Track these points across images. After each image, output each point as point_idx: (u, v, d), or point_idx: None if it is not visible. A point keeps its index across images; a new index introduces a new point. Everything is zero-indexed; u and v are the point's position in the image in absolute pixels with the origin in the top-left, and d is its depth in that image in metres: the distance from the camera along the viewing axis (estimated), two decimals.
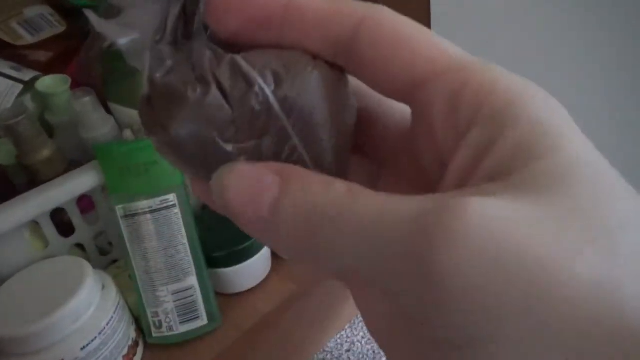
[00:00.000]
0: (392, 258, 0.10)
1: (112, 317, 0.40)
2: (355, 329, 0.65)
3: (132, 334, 0.42)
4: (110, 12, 0.14)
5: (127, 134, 0.47)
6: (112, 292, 0.41)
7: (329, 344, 0.63)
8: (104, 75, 0.47)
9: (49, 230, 0.42)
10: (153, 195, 0.42)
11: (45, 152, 0.43)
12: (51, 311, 0.36)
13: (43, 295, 0.38)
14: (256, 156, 0.13)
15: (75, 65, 0.55)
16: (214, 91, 0.13)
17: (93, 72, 0.53)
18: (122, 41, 0.14)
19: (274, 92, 0.13)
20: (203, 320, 0.44)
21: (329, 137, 0.14)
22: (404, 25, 0.13)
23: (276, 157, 0.13)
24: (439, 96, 0.12)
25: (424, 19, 0.64)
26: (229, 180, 0.13)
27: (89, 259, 0.43)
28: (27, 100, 0.49)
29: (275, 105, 0.13)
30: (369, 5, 0.13)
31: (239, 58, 0.13)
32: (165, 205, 0.42)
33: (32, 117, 0.42)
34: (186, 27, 0.14)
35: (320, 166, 0.14)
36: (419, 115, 0.13)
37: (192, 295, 0.44)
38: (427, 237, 0.10)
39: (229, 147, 0.13)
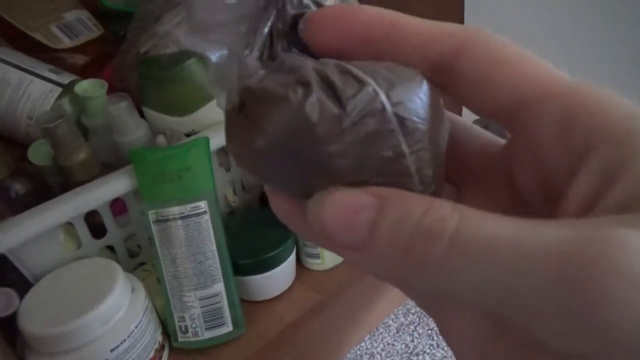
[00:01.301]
0: (532, 291, 0.09)
1: (140, 320, 0.40)
2: (375, 340, 0.65)
3: (159, 337, 0.43)
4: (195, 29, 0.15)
5: (160, 139, 0.47)
6: (141, 295, 0.41)
7: (348, 355, 0.63)
8: (140, 81, 0.48)
9: (83, 231, 0.43)
10: (185, 201, 0.42)
11: (81, 155, 0.44)
12: (83, 312, 0.37)
13: (75, 296, 0.39)
14: (358, 161, 0.13)
15: (110, 70, 0.56)
16: (318, 92, 0.12)
17: (127, 77, 0.54)
18: (211, 56, 0.14)
19: (388, 95, 0.13)
20: (228, 327, 0.45)
21: (431, 148, 0.13)
22: (507, 45, 0.13)
23: (381, 162, 0.13)
24: (549, 117, 0.12)
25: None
26: (326, 202, 0.12)
27: (118, 261, 0.44)
28: (65, 103, 0.50)
29: (389, 109, 0.13)
30: (470, 26, 0.13)
31: (345, 63, 0.13)
32: (196, 212, 0.43)
33: (70, 120, 0.43)
34: (272, 46, 0.15)
35: (421, 177, 0.13)
36: (521, 135, 0.13)
37: (219, 302, 0.44)
38: (589, 273, 0.09)
39: (331, 147, 0.12)
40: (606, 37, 0.56)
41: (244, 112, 0.13)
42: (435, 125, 0.13)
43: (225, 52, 0.15)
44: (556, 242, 0.09)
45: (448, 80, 0.13)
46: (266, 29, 0.14)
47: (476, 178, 0.15)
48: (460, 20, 0.63)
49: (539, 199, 0.13)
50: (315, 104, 0.12)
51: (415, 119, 0.13)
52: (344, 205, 0.12)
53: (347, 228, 0.12)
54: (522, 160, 0.13)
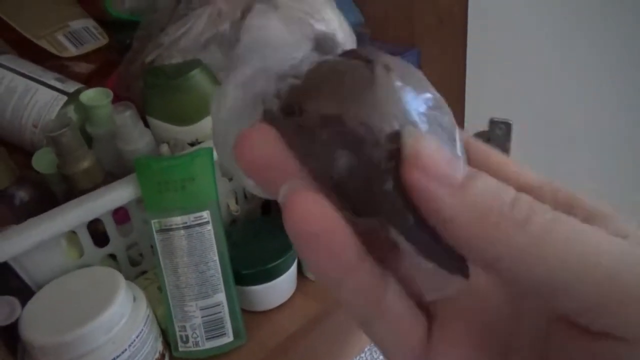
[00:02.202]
0: (626, 301, 0.11)
1: (142, 330, 0.40)
2: (376, 351, 0.65)
3: (159, 346, 0.43)
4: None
5: (164, 148, 0.48)
6: (143, 304, 0.41)
7: None
8: (145, 90, 0.49)
9: (86, 240, 0.43)
10: (188, 211, 0.43)
11: (85, 163, 0.45)
12: (85, 321, 0.37)
13: (77, 305, 0.39)
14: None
15: (114, 78, 0.57)
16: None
17: (132, 86, 0.54)
18: (247, 71, 0.15)
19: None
20: (229, 337, 0.45)
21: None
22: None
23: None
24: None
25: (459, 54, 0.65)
26: (423, 140, 0.13)
27: (119, 269, 0.44)
28: (70, 111, 0.50)
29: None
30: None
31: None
32: (198, 221, 0.43)
33: (75, 129, 0.44)
34: None
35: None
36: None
37: (220, 312, 0.44)
38: None
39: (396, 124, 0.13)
40: (608, 42, 0.56)
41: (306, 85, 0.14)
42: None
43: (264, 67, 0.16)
44: None
45: None
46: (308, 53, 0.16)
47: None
48: (463, 31, 0.63)
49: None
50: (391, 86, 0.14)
51: None
52: (444, 148, 0.13)
53: (447, 162, 0.13)
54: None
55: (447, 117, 0.15)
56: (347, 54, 0.16)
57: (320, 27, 0.16)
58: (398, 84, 0.14)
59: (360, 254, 0.14)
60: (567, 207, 0.14)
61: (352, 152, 0.13)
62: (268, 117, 0.15)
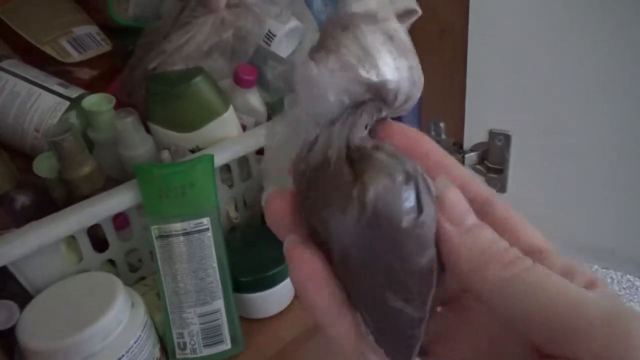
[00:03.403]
0: (588, 331, 0.14)
1: (139, 336, 0.40)
2: None
3: (157, 353, 0.43)
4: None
5: (165, 155, 0.48)
6: (141, 310, 0.41)
7: None
8: (147, 96, 0.49)
9: (85, 245, 0.43)
10: (188, 217, 0.43)
11: (86, 169, 0.45)
12: (82, 327, 0.37)
13: (75, 310, 0.39)
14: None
15: (117, 84, 0.57)
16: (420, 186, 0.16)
17: (134, 92, 0.54)
18: (296, 112, 0.18)
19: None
20: (226, 345, 0.44)
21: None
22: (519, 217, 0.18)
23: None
24: (555, 267, 0.16)
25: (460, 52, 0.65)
26: (453, 187, 0.17)
27: (118, 275, 0.44)
28: (72, 116, 0.50)
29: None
30: (489, 190, 0.18)
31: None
32: (198, 228, 0.43)
33: (77, 134, 0.44)
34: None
35: None
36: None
37: (218, 319, 0.44)
38: (625, 322, 0.14)
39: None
40: (608, 54, 0.57)
41: (353, 167, 0.17)
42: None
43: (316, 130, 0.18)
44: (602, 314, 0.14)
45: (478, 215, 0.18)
46: (366, 121, 0.18)
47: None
48: (463, 42, 0.64)
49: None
50: (412, 194, 0.16)
51: None
52: (464, 199, 0.17)
53: (463, 209, 0.16)
54: None
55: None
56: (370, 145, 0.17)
57: (369, 76, 0.17)
58: (374, 203, 0.16)
59: (340, 309, 0.18)
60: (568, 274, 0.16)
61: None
62: (294, 165, 0.18)
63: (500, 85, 0.65)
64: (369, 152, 0.17)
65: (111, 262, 0.47)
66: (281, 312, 0.50)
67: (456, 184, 0.17)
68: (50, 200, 0.46)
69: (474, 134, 0.68)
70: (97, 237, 0.45)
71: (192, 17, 0.52)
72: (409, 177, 0.16)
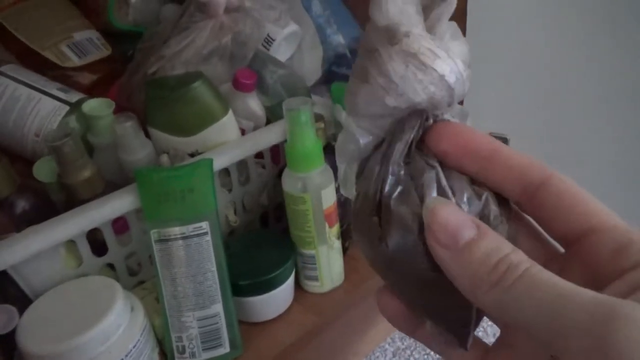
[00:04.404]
0: (571, 331, 0.14)
1: (138, 340, 0.40)
2: None
3: (156, 357, 0.43)
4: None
5: (164, 159, 0.48)
6: (140, 314, 0.42)
7: None
8: (146, 101, 0.49)
9: (85, 249, 0.43)
10: (187, 222, 0.43)
11: (86, 173, 0.45)
12: (82, 331, 0.37)
13: (74, 314, 0.39)
14: None
15: (116, 88, 0.57)
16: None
17: (134, 96, 0.55)
18: (362, 140, 0.19)
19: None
20: (225, 348, 0.45)
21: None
22: (578, 186, 0.18)
23: None
24: (607, 245, 0.17)
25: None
26: (442, 208, 0.17)
27: (117, 279, 0.44)
28: (72, 121, 0.51)
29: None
30: (555, 172, 0.18)
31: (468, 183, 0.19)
32: (197, 232, 0.43)
33: (76, 139, 0.44)
34: (409, 150, 0.19)
35: None
36: (579, 254, 0.18)
37: (217, 323, 0.44)
38: (610, 322, 0.13)
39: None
40: (608, 57, 0.57)
41: (378, 217, 0.18)
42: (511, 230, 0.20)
43: (370, 139, 0.19)
44: (590, 303, 0.14)
45: (531, 203, 0.18)
46: (409, 136, 0.19)
47: None
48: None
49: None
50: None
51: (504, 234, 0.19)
52: (456, 215, 0.17)
53: (454, 229, 0.17)
54: (577, 268, 0.18)
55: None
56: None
57: (397, 104, 0.18)
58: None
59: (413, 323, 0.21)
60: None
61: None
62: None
63: (498, 89, 0.65)
64: (391, 205, 0.18)
65: (110, 266, 0.47)
66: (280, 316, 0.50)
67: (514, 172, 0.18)
68: (50, 204, 0.47)
69: None
70: (96, 241, 0.45)
71: (191, 22, 0.52)
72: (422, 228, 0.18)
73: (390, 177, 0.19)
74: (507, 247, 0.16)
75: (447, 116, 0.20)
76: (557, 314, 0.14)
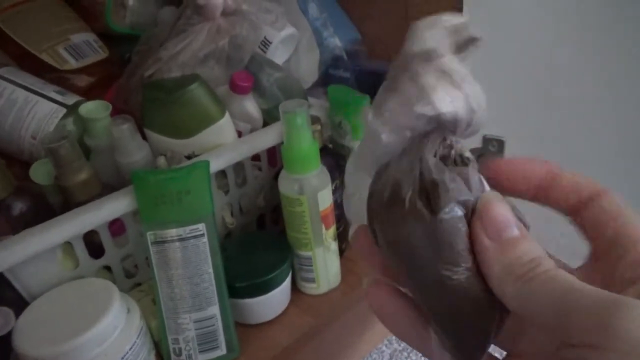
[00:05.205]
0: (576, 314, 0.15)
1: (135, 342, 0.40)
2: None
3: (152, 359, 0.43)
4: None
5: (161, 161, 0.48)
6: (137, 316, 0.42)
7: None
8: (143, 103, 0.49)
9: (81, 251, 0.43)
10: (183, 224, 0.43)
11: (82, 175, 0.45)
12: (78, 333, 0.37)
13: (71, 316, 0.39)
14: None
15: (113, 91, 0.57)
16: None
17: (131, 99, 0.55)
18: (386, 138, 0.20)
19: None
20: (222, 350, 0.45)
21: None
22: (628, 208, 0.19)
23: None
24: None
25: None
26: (496, 203, 0.19)
27: (114, 281, 0.44)
28: (69, 123, 0.51)
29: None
30: (604, 187, 0.20)
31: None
32: (194, 234, 0.43)
33: (73, 141, 0.44)
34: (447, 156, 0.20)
35: None
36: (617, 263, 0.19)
37: (213, 325, 0.44)
38: (612, 306, 0.15)
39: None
40: (604, 58, 0.57)
41: (426, 196, 0.19)
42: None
43: (393, 138, 0.20)
44: (600, 291, 0.16)
45: (580, 217, 0.20)
46: (432, 146, 0.20)
47: None
48: None
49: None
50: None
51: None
52: (506, 214, 0.19)
53: (502, 225, 0.18)
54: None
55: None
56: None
57: (424, 111, 0.19)
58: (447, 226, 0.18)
59: (416, 326, 0.21)
60: None
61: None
62: (368, 205, 0.21)
63: (494, 91, 0.65)
64: (438, 183, 0.19)
65: (107, 268, 0.47)
66: (277, 317, 0.50)
67: (567, 188, 0.20)
68: (47, 206, 0.47)
69: (467, 139, 0.68)
70: (93, 243, 0.45)
71: (189, 25, 0.53)
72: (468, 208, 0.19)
73: (430, 159, 0.19)
74: (540, 252, 0.18)
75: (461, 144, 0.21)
76: (565, 302, 0.16)
